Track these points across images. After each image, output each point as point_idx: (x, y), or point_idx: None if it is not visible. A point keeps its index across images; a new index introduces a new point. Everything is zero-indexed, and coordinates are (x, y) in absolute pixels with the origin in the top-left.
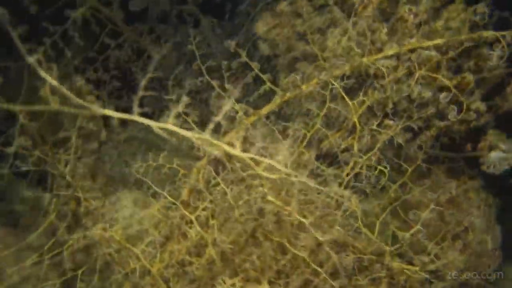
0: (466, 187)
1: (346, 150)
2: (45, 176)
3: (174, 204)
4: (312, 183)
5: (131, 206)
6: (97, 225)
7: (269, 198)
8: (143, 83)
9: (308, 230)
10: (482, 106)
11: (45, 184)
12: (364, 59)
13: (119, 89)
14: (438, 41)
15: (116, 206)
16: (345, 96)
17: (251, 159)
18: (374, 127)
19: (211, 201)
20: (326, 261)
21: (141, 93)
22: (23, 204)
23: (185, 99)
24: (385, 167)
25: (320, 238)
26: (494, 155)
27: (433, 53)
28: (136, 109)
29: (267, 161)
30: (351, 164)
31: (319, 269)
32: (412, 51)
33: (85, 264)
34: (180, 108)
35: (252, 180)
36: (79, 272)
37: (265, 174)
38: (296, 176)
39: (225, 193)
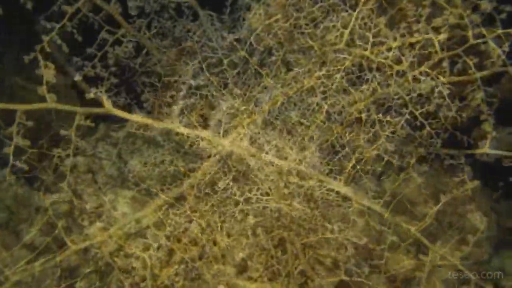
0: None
1: (348, 144)
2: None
3: (174, 204)
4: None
5: (129, 205)
6: (94, 225)
7: (297, 205)
8: (183, 91)
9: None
10: (483, 101)
11: (36, 183)
12: (366, 53)
13: (117, 86)
14: (441, 36)
15: (114, 205)
16: (349, 88)
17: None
18: (376, 121)
19: (218, 202)
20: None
21: (181, 103)
22: (15, 202)
23: (226, 106)
24: (394, 158)
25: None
26: (487, 144)
27: (436, 46)
28: (177, 119)
29: (303, 169)
30: (354, 159)
31: (346, 278)
32: (413, 45)
33: (83, 265)
34: (220, 116)
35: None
36: (79, 276)
37: (296, 180)
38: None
39: (237, 195)
